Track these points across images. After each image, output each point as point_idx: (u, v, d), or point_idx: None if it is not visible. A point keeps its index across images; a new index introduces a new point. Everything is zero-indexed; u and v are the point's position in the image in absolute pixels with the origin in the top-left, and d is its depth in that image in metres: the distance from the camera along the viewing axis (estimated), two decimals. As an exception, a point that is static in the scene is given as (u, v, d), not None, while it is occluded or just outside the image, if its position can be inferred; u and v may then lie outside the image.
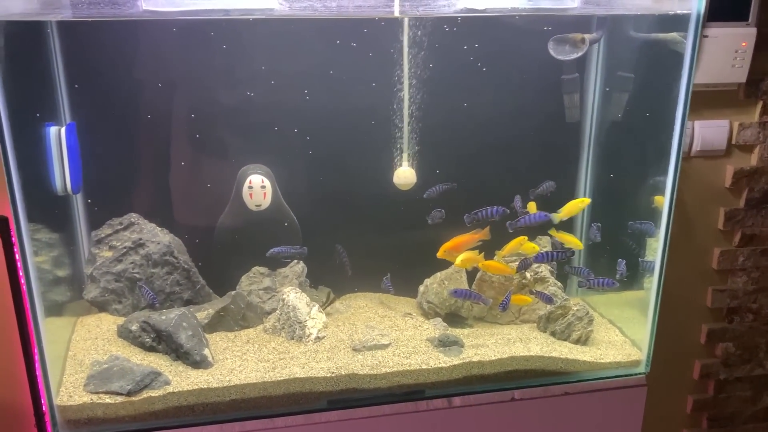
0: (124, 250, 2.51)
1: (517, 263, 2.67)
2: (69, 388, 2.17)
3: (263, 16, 1.98)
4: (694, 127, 3.01)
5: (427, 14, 2.19)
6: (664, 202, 2.46)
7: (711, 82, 2.93)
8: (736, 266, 3.24)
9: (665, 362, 3.34)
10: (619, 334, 2.65)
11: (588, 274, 2.64)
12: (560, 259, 2.61)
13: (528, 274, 2.67)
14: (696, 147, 3.02)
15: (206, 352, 2.32)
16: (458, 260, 2.47)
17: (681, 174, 3.07)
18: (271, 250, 2.59)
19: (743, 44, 2.87)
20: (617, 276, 2.61)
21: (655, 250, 2.56)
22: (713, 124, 3.02)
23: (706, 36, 2.82)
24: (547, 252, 2.60)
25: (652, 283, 2.49)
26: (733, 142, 3.07)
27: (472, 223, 2.48)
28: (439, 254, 2.52)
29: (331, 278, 2.83)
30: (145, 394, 2.17)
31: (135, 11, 1.86)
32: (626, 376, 2.50)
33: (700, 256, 3.23)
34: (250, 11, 1.96)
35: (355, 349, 2.42)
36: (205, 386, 2.21)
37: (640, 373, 2.52)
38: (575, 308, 2.56)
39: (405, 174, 2.65)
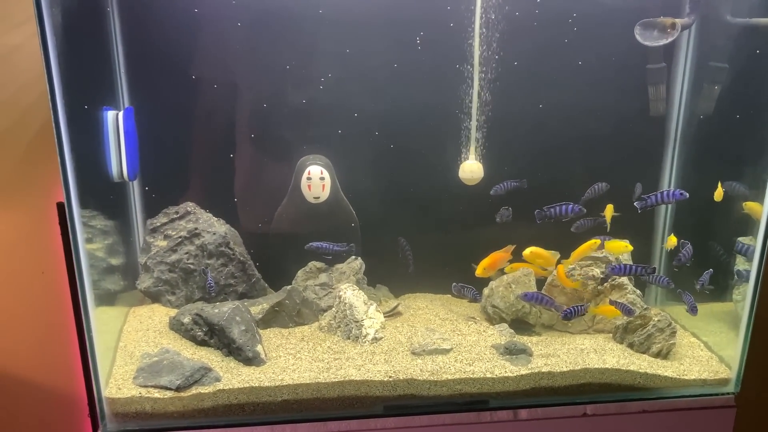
0: (179, 239, 2.44)
1: (592, 268, 2.48)
2: (118, 380, 2.10)
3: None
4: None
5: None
6: (759, 208, 2.22)
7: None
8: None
9: (754, 383, 3.08)
10: (704, 349, 2.41)
11: (668, 283, 2.42)
12: (640, 274, 2.39)
13: (604, 280, 2.47)
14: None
15: (259, 348, 2.21)
16: (527, 251, 2.37)
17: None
18: (311, 243, 2.45)
19: None
20: (697, 287, 2.38)
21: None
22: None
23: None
24: (626, 265, 2.38)
25: (745, 295, 2.24)
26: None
27: (543, 220, 2.30)
28: (479, 273, 2.40)
29: (390, 277, 2.70)
30: (194, 390, 2.07)
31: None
32: (713, 395, 2.26)
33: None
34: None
35: (414, 353, 2.27)
36: (257, 384, 2.10)
37: (728, 393, 2.28)
38: (656, 319, 2.33)
39: (471, 168, 2.48)
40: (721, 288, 2.45)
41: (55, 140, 1.81)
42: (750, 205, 2.28)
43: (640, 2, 2.34)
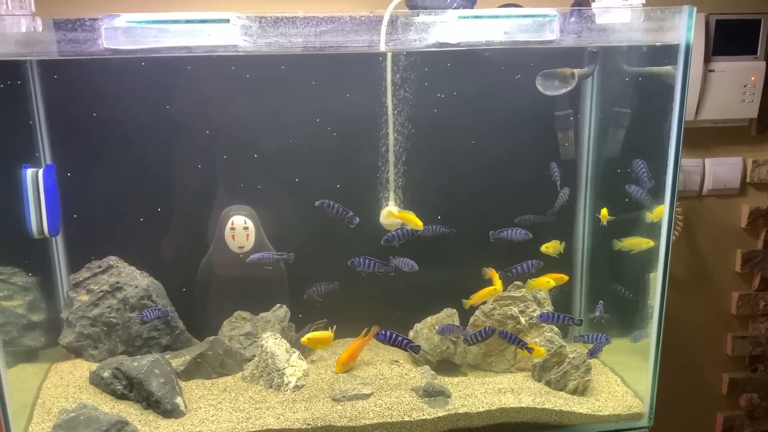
0: (101, 293, 2.46)
1: (510, 308, 2.55)
2: (33, 438, 2.10)
3: (227, 53, 1.94)
4: (705, 165, 2.89)
5: (397, 49, 2.13)
6: (628, 243, 2.43)
7: (720, 117, 2.82)
8: (757, 311, 3.07)
9: (684, 415, 3.15)
10: (620, 384, 2.47)
11: (607, 340, 2.44)
12: (566, 323, 2.48)
13: (523, 319, 2.53)
14: (708, 186, 2.90)
15: (178, 400, 2.22)
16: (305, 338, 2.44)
17: (693, 214, 2.97)
18: (252, 256, 2.48)
19: (752, 78, 2.76)
20: (593, 316, 2.49)
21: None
22: (725, 162, 2.90)
23: (713, 70, 2.72)
24: (555, 314, 2.46)
25: (651, 329, 2.32)
26: (748, 180, 2.95)
27: (506, 279, 2.43)
28: (337, 369, 2.48)
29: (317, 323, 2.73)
30: (111, 445, 2.07)
31: (96, 50, 1.84)
32: (627, 430, 2.31)
33: (718, 300, 3.08)
34: (213, 48, 1.92)
35: (334, 399, 2.29)
36: (174, 437, 2.11)
37: (642, 428, 2.33)
38: (571, 356, 2.40)
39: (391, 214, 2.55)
40: (638, 322, 2.53)
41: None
42: (630, 243, 2.44)
43: (546, 54, 2.47)
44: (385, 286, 2.67)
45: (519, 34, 2.03)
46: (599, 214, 2.56)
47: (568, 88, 2.36)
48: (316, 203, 2.30)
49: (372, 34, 2.00)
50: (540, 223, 2.58)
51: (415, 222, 2.40)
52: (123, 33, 1.84)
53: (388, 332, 2.32)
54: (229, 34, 1.88)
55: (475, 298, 2.45)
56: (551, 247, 2.53)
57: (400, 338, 2.31)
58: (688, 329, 3.06)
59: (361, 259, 2.38)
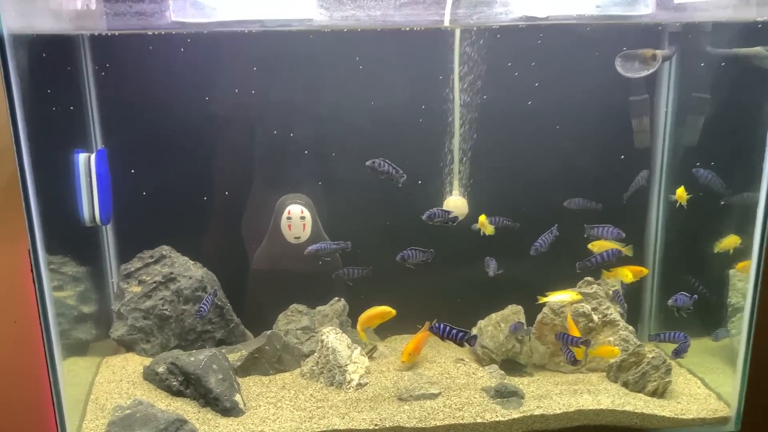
0: (154, 285, 2.35)
1: (582, 305, 2.41)
2: (87, 436, 1.99)
3: (302, 28, 1.82)
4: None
5: (482, 23, 2.00)
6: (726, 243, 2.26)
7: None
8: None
9: (755, 419, 2.99)
10: (701, 386, 2.33)
11: (685, 338, 2.31)
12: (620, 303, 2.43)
13: (596, 317, 2.40)
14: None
15: (237, 398, 2.11)
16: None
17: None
18: (310, 248, 2.37)
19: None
20: (669, 302, 2.31)
21: (741, 290, 2.27)
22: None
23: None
24: (620, 296, 2.37)
25: (741, 329, 2.17)
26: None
27: (583, 270, 2.30)
28: (404, 359, 2.38)
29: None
30: (169, 445, 1.96)
31: (163, 23, 1.73)
32: (713, 435, 2.18)
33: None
34: (287, 22, 1.80)
35: (401, 399, 2.17)
36: (235, 437, 1.99)
37: (729, 432, 2.19)
38: (650, 356, 2.26)
39: (456, 204, 2.43)
40: (715, 322, 2.39)
41: (20, 185, 1.74)
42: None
43: (622, 34, 2.33)
44: (446, 280, 2.56)
45: (612, 7, 1.89)
46: (673, 195, 2.42)
47: (650, 71, 2.22)
48: (367, 163, 2.17)
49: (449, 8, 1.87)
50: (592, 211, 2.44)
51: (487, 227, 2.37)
52: (191, 5, 1.72)
53: (442, 324, 2.18)
54: (303, 6, 1.75)
55: (550, 297, 2.32)
56: (597, 246, 2.38)
57: (454, 331, 2.17)
58: (760, 328, 2.90)
59: (408, 252, 2.30)
